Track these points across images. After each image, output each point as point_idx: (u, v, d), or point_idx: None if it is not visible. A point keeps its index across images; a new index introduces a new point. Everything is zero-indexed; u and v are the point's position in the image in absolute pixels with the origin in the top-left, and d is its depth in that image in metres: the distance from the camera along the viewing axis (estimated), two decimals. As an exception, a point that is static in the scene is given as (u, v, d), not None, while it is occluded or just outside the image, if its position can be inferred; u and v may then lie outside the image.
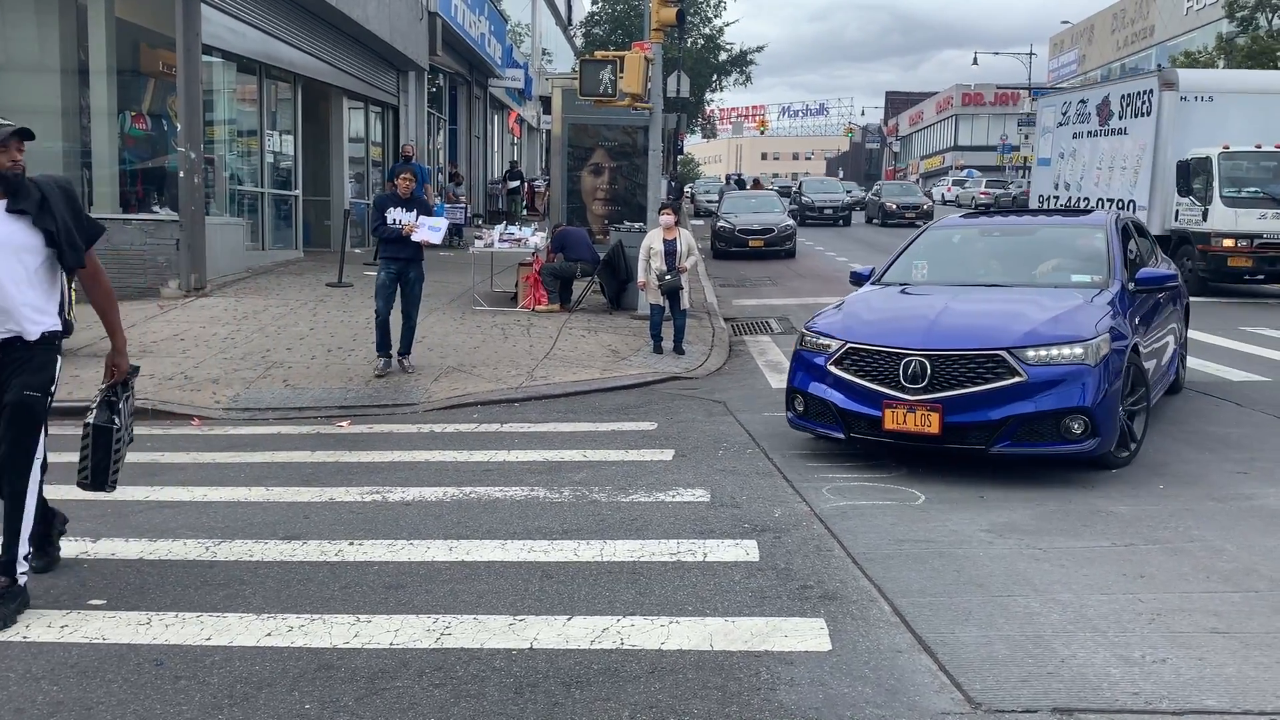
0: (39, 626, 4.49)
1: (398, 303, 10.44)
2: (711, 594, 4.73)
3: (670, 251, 11.54)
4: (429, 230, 10.33)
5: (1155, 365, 7.83)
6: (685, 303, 11.96)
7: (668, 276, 11.44)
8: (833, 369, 7.02)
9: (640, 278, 11.88)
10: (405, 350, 10.46)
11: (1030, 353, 6.46)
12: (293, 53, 17.74)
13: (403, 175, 10.37)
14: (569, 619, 4.46)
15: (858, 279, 8.72)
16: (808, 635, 4.25)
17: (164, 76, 15.01)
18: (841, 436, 7.01)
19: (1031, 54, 64.40)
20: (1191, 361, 10.57)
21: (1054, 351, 6.47)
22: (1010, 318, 6.86)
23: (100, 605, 4.73)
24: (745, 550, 5.32)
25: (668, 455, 7.49)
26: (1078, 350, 6.48)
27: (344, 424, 8.78)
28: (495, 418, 9.02)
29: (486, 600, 4.71)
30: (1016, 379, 6.39)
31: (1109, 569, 5.01)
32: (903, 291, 8.05)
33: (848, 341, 7.02)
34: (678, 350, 11.66)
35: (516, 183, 32.16)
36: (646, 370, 10.93)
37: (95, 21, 14.27)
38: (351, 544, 5.56)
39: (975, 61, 64.00)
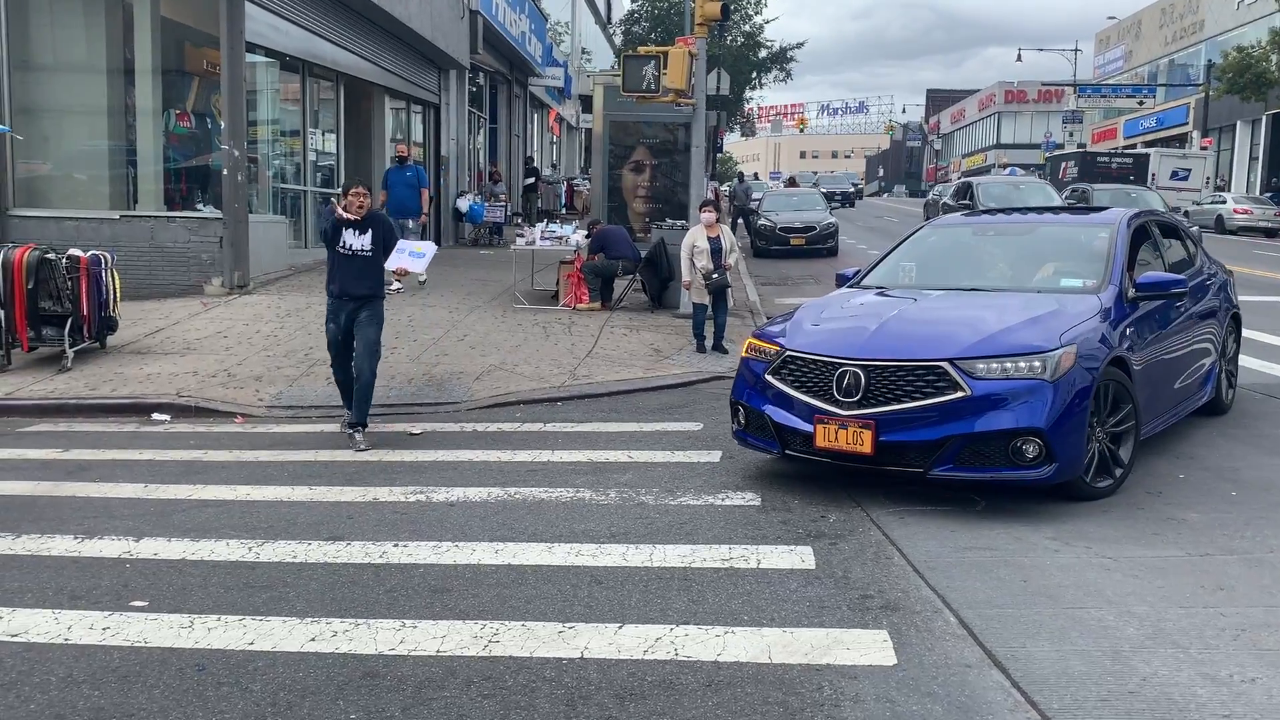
0: (81, 628, 4.41)
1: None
2: (767, 603, 4.55)
3: (715, 249, 11.35)
4: (410, 257, 8.06)
5: (1162, 381, 7.10)
6: (730, 301, 11.77)
7: (714, 275, 11.25)
8: (771, 379, 6.44)
9: (684, 277, 11.70)
10: (360, 418, 7.90)
11: (979, 365, 5.79)
12: (335, 51, 17.75)
13: (354, 191, 7.84)
14: (620, 627, 4.31)
15: (841, 281, 8.15)
16: (870, 648, 4.06)
17: (208, 75, 15.06)
18: (777, 452, 6.48)
19: (1077, 50, 63.47)
20: (1257, 364, 10.22)
21: (1006, 364, 5.79)
22: (963, 325, 6.23)
23: (142, 607, 4.65)
24: (800, 557, 5.14)
25: (715, 456, 7.32)
26: (1035, 363, 5.78)
27: (416, 430, 8.34)
28: (538, 417, 8.89)
29: (535, 606, 4.57)
30: (959, 394, 5.73)
31: (1185, 580, 4.77)
32: (877, 295, 7.36)
33: (786, 349, 6.44)
34: (720, 349, 11.47)
35: (532, 180, 30.43)
36: (690, 369, 10.75)
37: (141, 21, 14.36)
38: (396, 545, 5.44)
39: (1019, 58, 63.21)
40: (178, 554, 5.40)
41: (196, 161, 15.42)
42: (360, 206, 7.85)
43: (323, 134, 18.83)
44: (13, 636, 4.33)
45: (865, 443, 5.89)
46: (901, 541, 5.35)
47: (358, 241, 7.87)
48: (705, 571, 4.96)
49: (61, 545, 5.56)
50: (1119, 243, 7.33)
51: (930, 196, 42.00)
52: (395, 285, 14.46)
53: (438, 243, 22.61)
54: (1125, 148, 53.22)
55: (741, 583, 4.80)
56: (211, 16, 13.98)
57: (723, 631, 4.24)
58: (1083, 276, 7.15)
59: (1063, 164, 43.08)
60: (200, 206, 14.87)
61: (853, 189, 54.82)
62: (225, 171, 13.88)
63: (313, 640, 4.25)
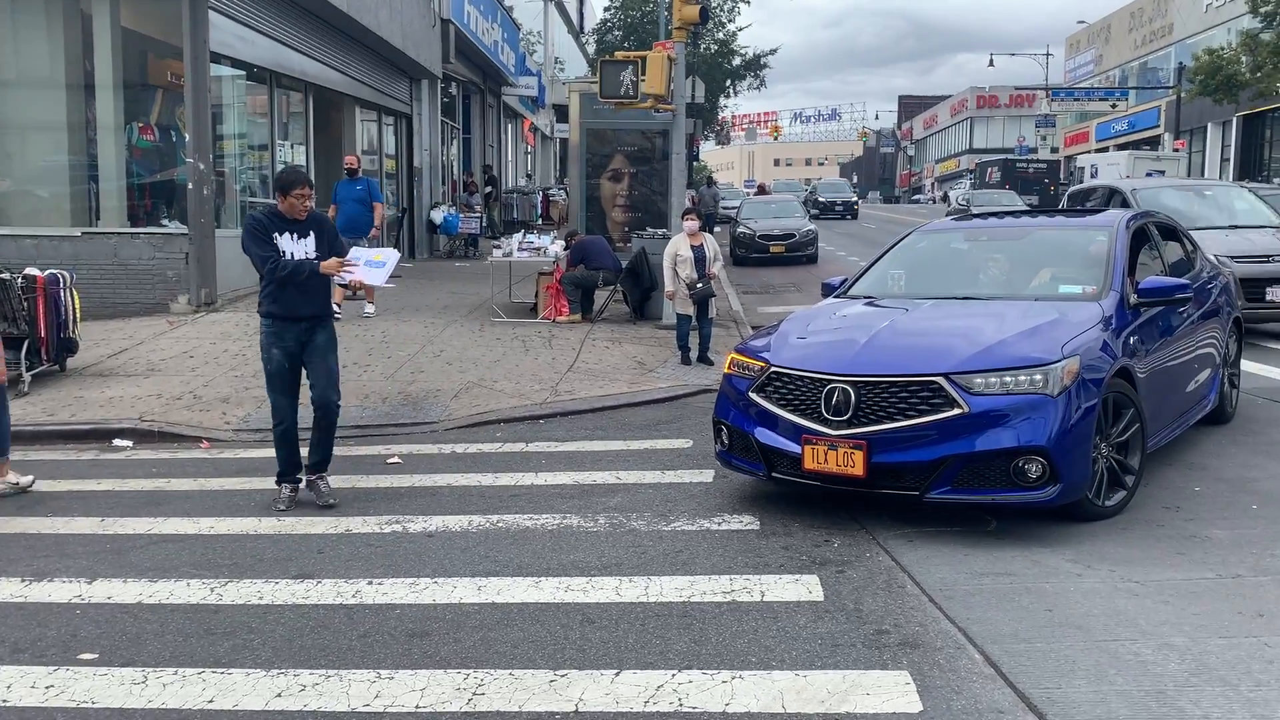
0: (21, 687, 3.99)
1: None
2: (775, 641, 4.19)
3: (699, 258, 11.03)
4: (367, 267, 6.58)
5: (1167, 390, 6.78)
6: (713, 311, 11.45)
7: (699, 284, 10.92)
8: (755, 397, 6.05)
9: (668, 287, 11.36)
10: (321, 462, 6.61)
11: (977, 380, 5.45)
12: (304, 61, 17.32)
13: (297, 191, 6.35)
14: (617, 674, 3.94)
15: (828, 290, 7.70)
16: (893, 692, 3.71)
17: (172, 87, 14.60)
18: (763, 475, 6.10)
19: (1048, 55, 63.79)
20: (1257, 367, 9.99)
21: (1005, 378, 5.44)
22: (958, 337, 5.89)
23: (91, 660, 4.23)
24: (807, 587, 4.79)
25: (707, 476, 6.97)
26: (1035, 376, 5.43)
27: (393, 459, 7.78)
28: (520, 436, 8.51)
29: (522, 650, 4.19)
30: (956, 411, 5.38)
31: (1221, 606, 4.45)
32: (865, 305, 7.03)
33: (771, 365, 6.06)
34: (705, 360, 11.15)
35: (490, 189, 28.80)
36: (676, 383, 10.41)
37: (100, 31, 13.88)
38: (370, 583, 5.05)
39: (991, 63, 63.69)
40: (133, 597, 4.98)
41: (161, 176, 14.93)
42: (302, 206, 6.39)
43: (292, 146, 18.37)
44: (-55, 698, 3.91)
45: (857, 464, 5.53)
46: (913, 568, 5.01)
47: (298, 248, 6.37)
48: (706, 606, 4.60)
49: (7, 589, 5.13)
50: (1118, 246, 6.99)
51: (955, 202, 39.01)
52: (369, 309, 13.77)
53: (411, 255, 22.22)
54: (1097, 150, 53.57)
55: (746, 619, 4.44)
56: (174, 26, 13.53)
57: (730, 676, 3.88)
58: (1082, 282, 6.83)
59: (989, 169, 49.17)
60: (165, 222, 14.39)
61: (854, 197, 46.94)
62: (190, 185, 13.45)
63: (279, 696, 3.85)
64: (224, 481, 7.34)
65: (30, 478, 7.16)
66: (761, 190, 38.70)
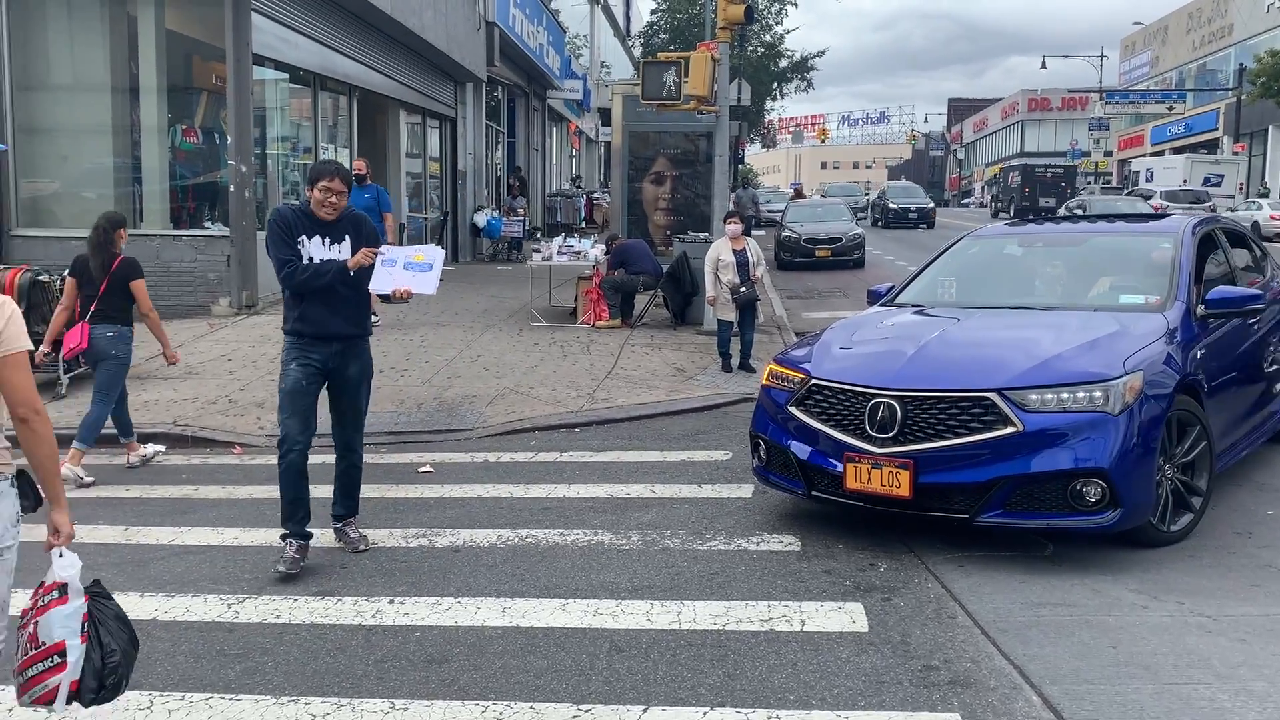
0: (24, 712, 3.82)
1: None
2: (815, 677, 3.91)
3: (742, 262, 10.75)
4: (407, 270, 5.42)
5: (1238, 408, 6.41)
6: (760, 316, 11.16)
7: (742, 289, 10.65)
8: (794, 411, 5.76)
9: (709, 292, 11.09)
10: (349, 508, 5.78)
11: (1032, 396, 5.13)
12: (348, 64, 17.30)
13: (323, 183, 5.34)
14: (645, 710, 3.69)
15: (874, 298, 7.42)
16: (942, 739, 3.43)
17: (216, 89, 14.62)
18: (802, 494, 5.78)
19: (1102, 56, 62.55)
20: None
21: (1063, 395, 5.13)
22: (1013, 349, 5.59)
23: (98, 682, 4.06)
24: (850, 616, 4.50)
25: (746, 491, 6.69)
26: (1095, 393, 5.10)
27: (425, 468, 7.63)
28: (554, 445, 8.29)
29: (545, 681, 3.95)
30: (1010, 429, 5.07)
31: (1303, 646, 4.10)
32: (914, 314, 6.70)
33: (811, 377, 5.76)
34: (747, 368, 10.86)
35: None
36: (716, 391, 10.13)
37: (145, 34, 13.93)
38: (391, 602, 4.85)
39: (1044, 65, 62.59)
40: (148, 612, 4.82)
41: (204, 178, 14.96)
42: (334, 204, 5.38)
43: (336, 149, 18.38)
44: (-55, 721, 3.77)
45: (902, 484, 5.22)
46: (964, 596, 4.70)
47: (329, 255, 5.41)
48: (742, 635, 4.33)
49: (19, 604, 4.98)
50: (1184, 254, 6.59)
51: (1065, 210, 30.15)
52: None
53: (454, 258, 22.16)
54: (1153, 154, 52.50)
55: (784, 650, 4.16)
56: (218, 29, 13.54)
57: (766, 716, 3.61)
58: (1144, 292, 6.46)
59: (1010, 173, 51.32)
60: (208, 224, 14.41)
61: (931, 203, 40.60)
62: (232, 188, 13.43)
63: (287, 727, 3.65)
64: (252, 489, 7.19)
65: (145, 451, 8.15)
66: (798, 194, 37.30)
